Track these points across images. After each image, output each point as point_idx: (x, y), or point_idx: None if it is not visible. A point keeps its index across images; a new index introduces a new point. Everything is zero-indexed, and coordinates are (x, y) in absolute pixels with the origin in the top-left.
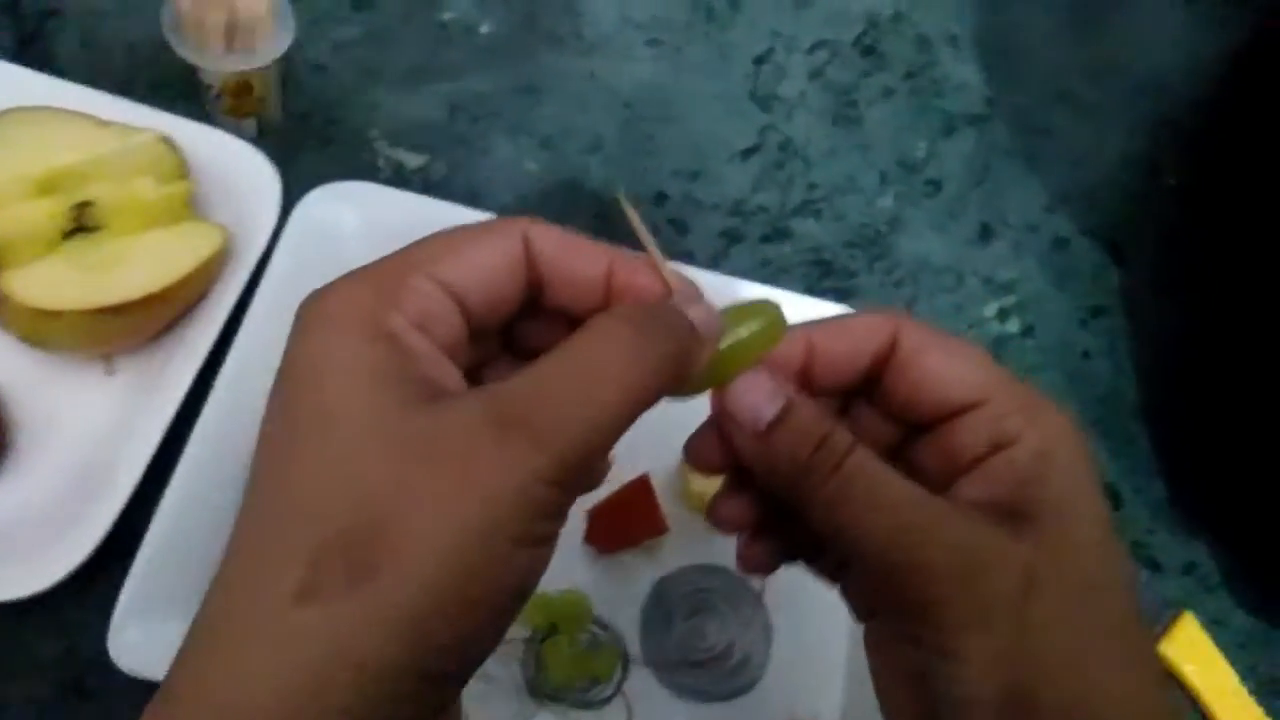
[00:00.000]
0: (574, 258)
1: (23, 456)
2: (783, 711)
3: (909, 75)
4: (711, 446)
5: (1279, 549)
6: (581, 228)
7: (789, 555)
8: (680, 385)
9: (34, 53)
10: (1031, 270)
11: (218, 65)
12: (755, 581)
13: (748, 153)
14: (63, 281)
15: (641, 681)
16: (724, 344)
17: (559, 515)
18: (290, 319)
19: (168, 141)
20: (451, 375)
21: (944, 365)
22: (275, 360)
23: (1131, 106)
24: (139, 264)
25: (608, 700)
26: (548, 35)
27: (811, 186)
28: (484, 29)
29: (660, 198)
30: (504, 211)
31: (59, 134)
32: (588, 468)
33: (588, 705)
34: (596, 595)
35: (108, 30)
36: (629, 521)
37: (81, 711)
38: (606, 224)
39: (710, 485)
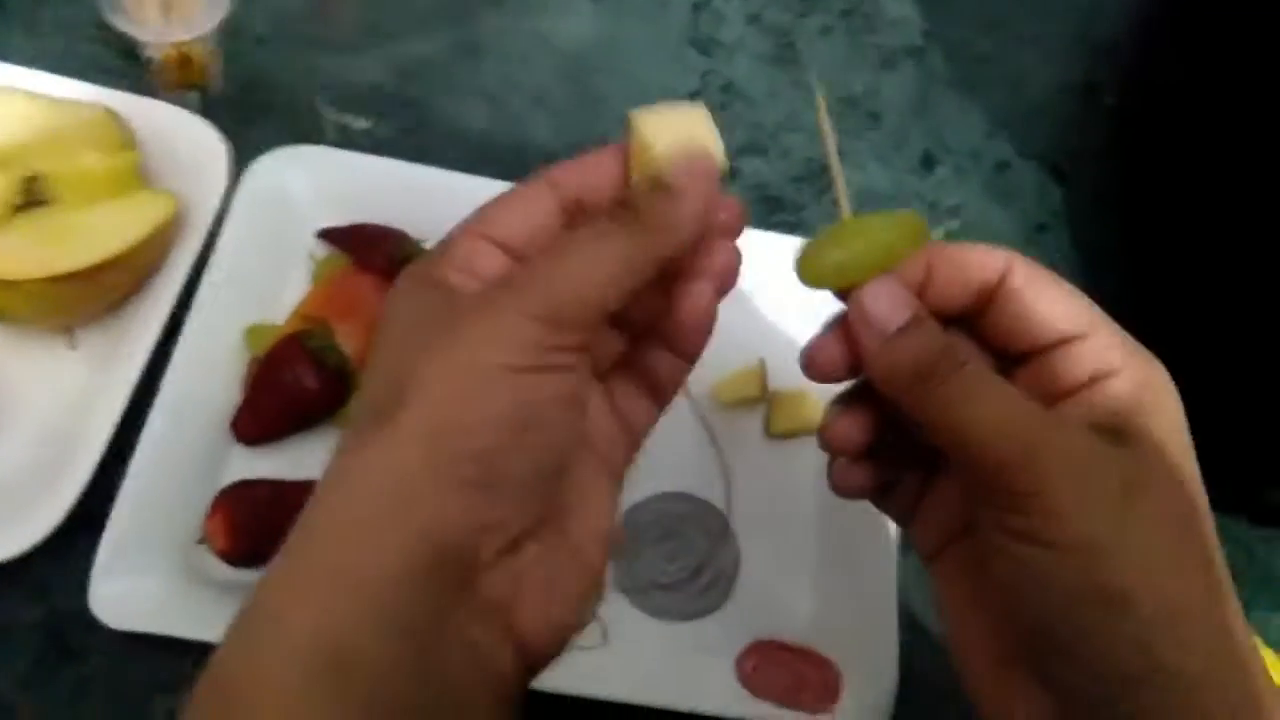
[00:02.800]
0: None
1: None
2: (751, 629)
3: (845, 13)
4: (834, 350)
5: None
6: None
7: (878, 487)
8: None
9: None
10: (975, 194)
11: (154, 37)
12: (722, 506)
13: (691, 96)
14: (17, 252)
15: (615, 605)
16: (866, 248)
17: (557, 349)
18: (246, 284)
19: (112, 114)
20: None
21: (1054, 298)
22: (234, 320)
23: (1066, 30)
24: (93, 232)
25: None
26: None
27: (756, 126)
28: None
29: None
30: (453, 168)
31: (2, 112)
32: (573, 312)
33: None
34: None
35: (49, 15)
36: None
37: (65, 669)
38: None
39: None
